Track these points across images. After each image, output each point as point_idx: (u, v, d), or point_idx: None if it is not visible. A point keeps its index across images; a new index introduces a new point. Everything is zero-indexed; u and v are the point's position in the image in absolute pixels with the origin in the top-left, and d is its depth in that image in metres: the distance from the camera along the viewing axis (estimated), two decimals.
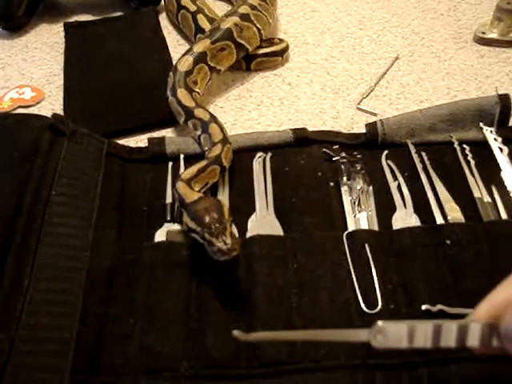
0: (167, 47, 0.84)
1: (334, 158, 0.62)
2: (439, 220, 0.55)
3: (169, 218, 0.57)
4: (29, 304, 0.47)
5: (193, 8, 0.84)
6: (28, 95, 0.78)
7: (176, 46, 0.87)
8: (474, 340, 0.35)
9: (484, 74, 0.77)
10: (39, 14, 0.95)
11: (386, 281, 0.50)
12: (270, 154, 0.63)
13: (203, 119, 0.64)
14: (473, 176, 0.59)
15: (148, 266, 0.52)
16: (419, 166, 0.60)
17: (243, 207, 0.57)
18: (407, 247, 0.53)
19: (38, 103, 0.77)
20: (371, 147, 0.64)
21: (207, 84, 0.74)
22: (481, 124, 0.64)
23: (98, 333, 0.48)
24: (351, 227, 0.55)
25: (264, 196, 0.58)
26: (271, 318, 0.48)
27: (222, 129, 0.63)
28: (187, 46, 0.82)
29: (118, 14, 0.94)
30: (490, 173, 0.59)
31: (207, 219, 0.49)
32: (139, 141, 0.69)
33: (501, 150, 0.61)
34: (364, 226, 0.55)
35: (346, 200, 0.57)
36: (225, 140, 0.61)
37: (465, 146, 0.62)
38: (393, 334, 0.35)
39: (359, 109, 0.72)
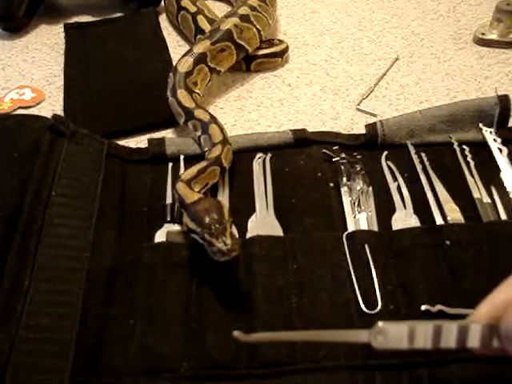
0: (167, 48, 0.84)
1: (333, 159, 0.62)
2: (439, 221, 0.55)
3: (169, 219, 0.57)
4: (29, 305, 0.47)
5: (193, 9, 0.84)
6: (28, 96, 0.78)
7: (176, 46, 0.87)
8: (474, 341, 0.35)
9: (483, 74, 0.77)
10: (39, 15, 0.95)
11: (385, 281, 0.50)
12: (269, 155, 0.63)
13: (203, 120, 0.64)
14: (472, 177, 0.59)
15: (148, 266, 0.52)
16: (419, 167, 0.60)
17: (243, 208, 0.58)
18: (407, 248, 0.53)
19: (38, 104, 0.77)
20: (371, 148, 0.64)
21: (207, 85, 0.74)
22: (480, 125, 0.64)
23: (98, 333, 0.48)
24: (351, 228, 0.55)
25: (264, 197, 0.58)
26: (271, 318, 0.48)
27: (221, 130, 0.63)
28: (187, 47, 0.82)
29: (118, 14, 0.94)
30: (490, 173, 0.59)
31: (207, 220, 0.49)
32: (139, 142, 0.69)
33: (500, 150, 0.61)
34: (364, 226, 0.55)
35: (346, 201, 0.57)
36: (225, 141, 0.61)
37: (464, 146, 0.62)
38: (393, 334, 0.35)
39: (359, 109, 0.72)
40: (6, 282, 0.48)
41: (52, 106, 0.76)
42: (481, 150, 0.62)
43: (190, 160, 0.62)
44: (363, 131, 0.65)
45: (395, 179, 0.60)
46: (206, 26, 0.80)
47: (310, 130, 0.66)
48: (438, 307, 0.48)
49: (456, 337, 0.35)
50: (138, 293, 0.51)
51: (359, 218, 0.56)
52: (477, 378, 0.44)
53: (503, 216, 0.55)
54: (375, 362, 0.45)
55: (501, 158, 0.61)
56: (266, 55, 0.80)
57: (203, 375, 0.45)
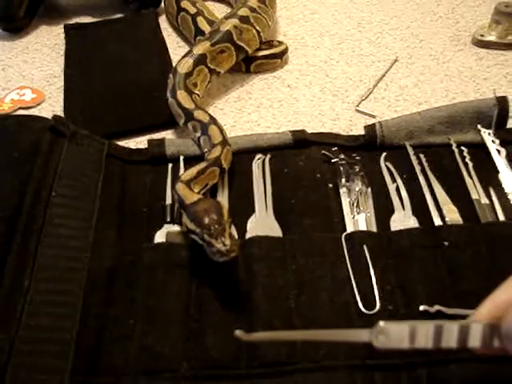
0: (167, 49, 0.85)
1: (332, 160, 0.62)
2: (437, 222, 0.55)
3: (168, 220, 0.57)
4: (29, 305, 0.47)
5: (192, 10, 0.84)
6: (28, 97, 0.78)
7: (176, 47, 0.87)
8: (475, 341, 0.35)
9: (482, 76, 0.78)
10: (40, 16, 0.96)
11: (384, 282, 0.50)
12: (269, 156, 0.63)
13: (203, 121, 0.64)
14: (471, 178, 0.59)
15: (148, 266, 0.53)
16: (417, 168, 0.61)
17: (242, 208, 0.58)
18: (405, 248, 0.53)
19: (38, 105, 0.77)
20: (370, 149, 0.64)
21: (207, 86, 0.74)
22: (479, 126, 0.64)
23: (98, 333, 0.48)
24: (350, 228, 0.55)
25: (263, 197, 0.59)
26: (271, 318, 0.48)
27: (221, 131, 0.63)
28: (187, 48, 0.82)
29: (118, 15, 0.95)
30: (488, 175, 0.60)
31: (206, 220, 0.49)
32: (139, 142, 0.69)
33: (498, 152, 0.62)
34: (362, 227, 0.55)
35: (345, 201, 0.58)
36: (224, 142, 0.61)
37: (463, 148, 0.62)
38: (394, 334, 0.35)
39: (358, 111, 0.73)
40: (6, 282, 0.48)
41: (52, 106, 0.77)
42: (479, 152, 0.62)
43: (190, 161, 0.62)
44: (362, 132, 0.65)
45: (394, 180, 0.60)
46: (206, 28, 0.80)
47: (310, 131, 0.66)
48: (437, 307, 0.48)
49: (457, 336, 0.35)
50: (138, 293, 0.51)
51: (358, 219, 0.56)
52: (476, 378, 0.44)
53: (501, 217, 0.55)
54: (374, 361, 0.45)
55: (499, 160, 0.61)
56: (265, 56, 0.80)
57: (203, 375, 0.45)
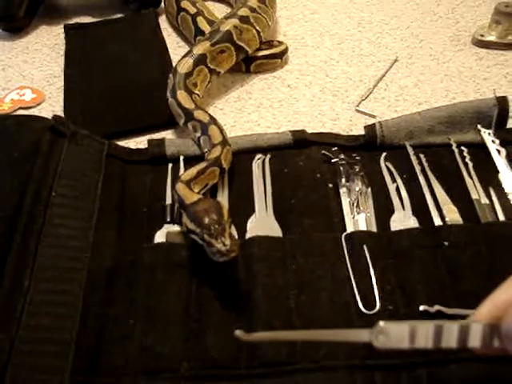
0: (167, 49, 0.85)
1: (332, 160, 0.62)
2: (437, 222, 0.55)
3: (168, 220, 0.57)
4: (29, 305, 0.47)
5: (192, 10, 0.84)
6: (28, 97, 0.78)
7: (176, 47, 0.87)
8: (475, 341, 0.35)
9: (482, 76, 0.78)
10: (40, 16, 0.96)
11: (384, 282, 0.50)
12: (269, 156, 0.63)
13: (203, 121, 0.64)
14: (471, 178, 0.59)
15: (148, 266, 0.53)
16: (417, 168, 0.61)
17: (243, 208, 0.58)
18: (405, 248, 0.53)
19: (38, 105, 0.77)
20: (370, 149, 0.64)
21: (207, 86, 0.74)
22: (479, 126, 0.64)
23: (98, 333, 0.48)
24: (350, 228, 0.55)
25: (263, 197, 0.59)
26: (271, 318, 0.48)
27: (221, 131, 0.63)
28: (187, 48, 0.82)
29: (118, 15, 0.95)
30: (488, 175, 0.60)
31: (206, 220, 0.50)
32: (139, 142, 0.69)
33: (498, 152, 0.62)
34: (362, 227, 0.55)
35: (345, 201, 0.58)
36: (224, 142, 0.61)
37: (463, 148, 0.62)
38: (394, 334, 0.35)
39: (358, 111, 0.73)
40: (6, 282, 0.48)
41: (52, 106, 0.77)
42: (479, 152, 0.62)
43: (190, 161, 0.62)
44: (362, 132, 0.65)
45: (394, 180, 0.60)
46: (206, 28, 0.80)
47: (310, 131, 0.66)
48: (436, 307, 0.48)
49: (457, 336, 0.35)
50: (138, 293, 0.51)
51: (358, 219, 0.56)
52: (476, 378, 0.44)
53: (501, 217, 0.55)
54: (374, 361, 0.45)
55: (499, 160, 0.61)
56: (265, 56, 0.80)
57: (203, 375, 0.46)
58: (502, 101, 0.64)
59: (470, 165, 0.61)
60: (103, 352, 0.47)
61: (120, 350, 0.47)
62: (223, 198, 0.59)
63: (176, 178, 0.59)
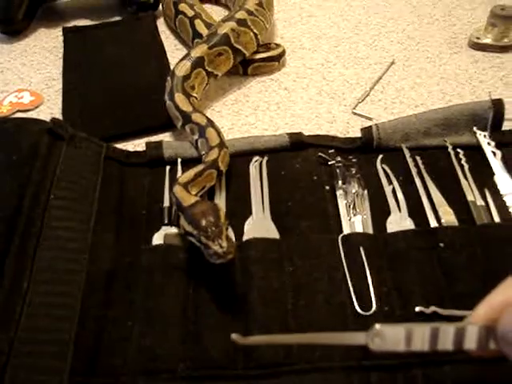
0: (165, 52, 0.85)
1: (329, 162, 0.62)
2: (433, 223, 0.55)
3: (166, 222, 0.57)
4: (28, 306, 0.48)
5: (190, 13, 0.85)
6: (27, 99, 0.78)
7: (174, 50, 0.87)
8: (471, 343, 0.36)
9: (478, 78, 0.78)
10: (38, 19, 0.96)
11: (380, 283, 0.51)
12: (266, 158, 0.63)
13: (200, 124, 0.65)
14: (466, 180, 0.60)
15: (146, 268, 0.53)
16: (414, 170, 0.61)
17: (240, 211, 0.58)
18: (401, 250, 0.53)
19: (36, 107, 0.77)
20: (366, 151, 0.64)
21: (204, 89, 0.74)
22: (474, 128, 0.64)
23: (96, 335, 0.48)
24: (346, 230, 0.55)
25: (260, 200, 0.59)
26: (267, 320, 0.48)
27: (218, 133, 0.63)
28: (185, 51, 0.83)
29: (117, 18, 0.95)
30: (483, 177, 0.60)
31: (204, 223, 0.50)
32: (137, 145, 0.70)
33: (494, 154, 0.62)
34: (359, 229, 0.55)
35: (342, 204, 0.58)
36: (222, 144, 0.62)
37: (459, 150, 0.63)
38: (390, 337, 0.35)
39: (355, 113, 0.73)
40: (5, 284, 0.49)
41: (50, 109, 0.77)
42: (475, 154, 0.63)
43: (188, 163, 0.63)
44: (359, 135, 0.65)
45: (390, 182, 0.60)
46: (204, 30, 0.80)
47: (307, 133, 0.67)
48: (432, 309, 0.48)
49: (453, 339, 0.36)
50: (137, 295, 0.51)
51: (354, 221, 0.56)
52: (471, 379, 0.44)
53: (496, 219, 0.56)
54: (370, 362, 0.45)
55: (494, 162, 0.61)
56: (262, 59, 0.80)
57: (200, 375, 0.46)
58: (497, 103, 0.64)
59: (466, 167, 0.61)
60: (102, 353, 0.47)
61: (118, 351, 0.48)
62: (220, 201, 0.59)
63: (174, 180, 0.59)
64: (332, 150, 0.64)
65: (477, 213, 0.56)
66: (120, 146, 0.68)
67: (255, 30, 0.78)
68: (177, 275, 0.52)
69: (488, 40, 0.83)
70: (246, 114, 0.74)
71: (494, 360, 0.37)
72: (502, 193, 0.58)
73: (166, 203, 0.59)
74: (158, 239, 0.56)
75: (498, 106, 0.64)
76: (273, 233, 0.56)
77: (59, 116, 0.74)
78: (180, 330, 0.48)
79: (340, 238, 0.54)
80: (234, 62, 0.77)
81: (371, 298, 0.50)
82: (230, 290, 0.51)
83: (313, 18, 0.94)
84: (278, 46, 0.83)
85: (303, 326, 0.48)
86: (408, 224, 0.56)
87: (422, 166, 0.61)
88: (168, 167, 0.63)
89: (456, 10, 0.94)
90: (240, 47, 0.76)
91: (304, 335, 0.41)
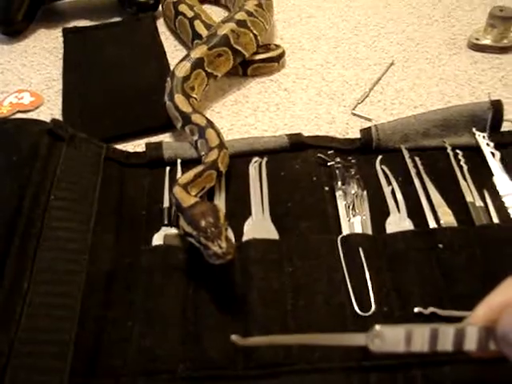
0: (165, 53, 0.85)
1: (328, 163, 0.62)
2: (432, 224, 0.56)
3: (166, 222, 0.57)
4: (28, 307, 0.48)
5: (190, 14, 0.85)
6: (27, 100, 0.78)
7: (173, 51, 0.87)
8: (471, 344, 0.36)
9: (477, 79, 0.78)
10: (38, 20, 0.96)
11: (379, 284, 0.51)
12: (265, 159, 0.63)
13: (200, 124, 0.65)
14: (465, 181, 0.60)
15: (146, 269, 0.53)
16: (413, 171, 0.61)
17: (239, 211, 0.58)
18: (400, 251, 0.53)
19: (36, 108, 0.77)
20: (366, 152, 0.64)
21: (204, 89, 0.75)
22: (473, 129, 0.64)
23: (96, 335, 0.48)
24: (345, 231, 0.55)
25: (260, 200, 0.59)
26: (267, 321, 0.48)
27: (218, 134, 0.64)
28: (184, 52, 0.83)
29: (117, 19, 0.95)
30: (482, 177, 0.60)
31: (203, 223, 0.50)
32: (137, 146, 0.70)
33: (493, 154, 0.62)
34: (358, 230, 0.55)
35: (341, 204, 0.58)
36: (221, 145, 0.62)
37: (458, 151, 0.63)
38: (390, 338, 0.36)
39: (354, 114, 0.73)
40: (5, 284, 0.49)
41: (51, 110, 0.77)
42: (474, 155, 0.63)
43: (187, 164, 0.63)
44: (358, 136, 0.65)
45: (389, 183, 0.60)
46: (203, 31, 0.81)
47: (306, 134, 0.67)
48: (431, 309, 0.48)
49: (453, 340, 0.36)
50: (137, 295, 0.51)
51: (354, 222, 0.56)
52: (470, 380, 0.44)
53: (495, 219, 0.56)
54: (370, 363, 0.45)
55: (493, 162, 0.61)
56: (262, 60, 0.81)
57: (200, 376, 0.46)
58: (496, 104, 0.64)
59: (465, 168, 0.61)
60: (102, 353, 0.48)
61: (118, 351, 0.48)
62: (220, 201, 0.59)
63: (173, 181, 0.59)
64: (331, 151, 0.64)
65: (476, 214, 0.56)
66: (120, 146, 0.68)
67: (255, 31, 0.78)
68: (176, 276, 0.52)
69: (487, 41, 0.83)
70: (246, 115, 0.74)
71: (494, 361, 0.37)
72: (500, 194, 0.58)
73: (166, 204, 0.59)
74: (157, 240, 0.56)
75: (497, 106, 0.64)
76: (272, 233, 0.56)
77: (59, 117, 0.74)
78: (180, 331, 0.48)
79: (339, 238, 0.54)
80: (234, 62, 0.77)
81: (370, 299, 0.50)
82: (230, 291, 0.52)
83: (312, 19, 0.94)
84: (277, 46, 0.83)
85: (303, 326, 0.48)
86: (407, 225, 0.56)
87: (421, 167, 0.62)
88: (168, 168, 0.63)
89: (455, 11, 0.94)
90: (240, 48, 0.76)
91: (304, 336, 0.42)
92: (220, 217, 0.51)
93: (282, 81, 0.80)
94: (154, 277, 0.52)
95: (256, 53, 0.80)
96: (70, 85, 0.79)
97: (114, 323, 0.50)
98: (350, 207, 0.57)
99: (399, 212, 0.57)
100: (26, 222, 0.53)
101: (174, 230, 0.57)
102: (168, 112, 0.69)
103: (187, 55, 0.73)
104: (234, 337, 0.36)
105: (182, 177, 0.58)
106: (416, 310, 0.49)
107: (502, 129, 0.65)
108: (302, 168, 0.62)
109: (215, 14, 0.94)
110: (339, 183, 0.60)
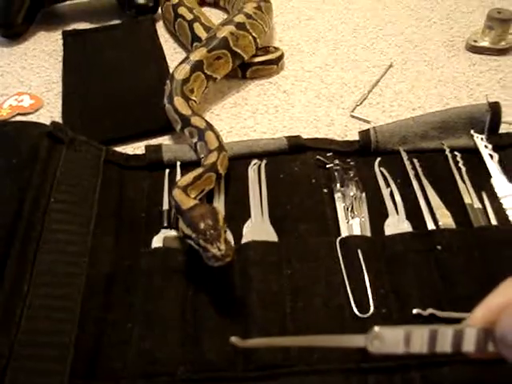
0: (164, 55, 0.85)
1: (327, 165, 0.62)
2: (430, 226, 0.56)
3: (165, 225, 0.57)
4: (28, 309, 0.48)
5: (189, 16, 0.85)
6: (27, 103, 0.78)
7: (173, 54, 0.88)
8: (469, 345, 0.36)
9: (475, 81, 0.79)
10: (38, 22, 0.96)
11: (378, 286, 0.51)
12: (264, 162, 0.64)
13: (199, 127, 0.65)
14: (463, 182, 0.60)
15: (145, 271, 0.53)
16: (411, 173, 0.61)
17: (238, 214, 0.58)
18: (399, 253, 0.53)
19: (36, 111, 0.78)
20: (364, 154, 0.64)
21: (203, 92, 0.75)
22: (472, 131, 0.65)
23: (96, 338, 0.48)
24: (344, 233, 0.56)
25: (259, 203, 0.59)
26: (266, 323, 0.49)
27: (217, 136, 0.64)
28: (184, 54, 0.83)
29: (116, 22, 0.95)
30: (481, 179, 0.60)
31: (202, 226, 0.50)
32: (137, 148, 0.70)
33: (491, 156, 0.62)
34: (357, 232, 0.56)
35: (340, 206, 0.58)
36: (220, 147, 0.62)
37: (456, 153, 0.63)
38: (389, 339, 0.36)
39: (353, 116, 0.73)
40: (5, 287, 0.49)
41: (50, 112, 0.77)
42: (472, 157, 0.63)
43: (187, 166, 0.63)
44: (357, 138, 0.66)
45: (388, 185, 0.61)
46: (203, 34, 0.81)
47: (305, 136, 0.67)
48: (429, 311, 0.48)
49: (451, 341, 0.36)
50: (136, 298, 0.51)
51: (352, 224, 0.56)
52: (469, 381, 0.44)
53: (493, 221, 0.56)
54: (368, 365, 0.45)
55: (491, 164, 0.62)
56: (261, 62, 0.81)
57: (200, 378, 0.46)
58: (494, 106, 0.65)
59: (463, 170, 0.61)
60: (102, 356, 0.48)
61: (118, 354, 0.48)
62: (219, 204, 0.60)
63: (173, 183, 0.59)
64: (330, 153, 0.64)
65: (474, 215, 0.57)
66: (119, 149, 0.68)
67: (254, 34, 0.78)
68: (176, 278, 0.52)
69: (485, 43, 0.83)
70: (245, 117, 0.75)
71: (493, 362, 0.37)
72: (499, 195, 0.59)
73: (166, 206, 0.59)
74: (157, 242, 0.56)
75: (495, 108, 0.64)
76: (271, 236, 0.56)
77: (59, 119, 0.74)
78: (179, 333, 0.49)
79: (338, 240, 0.54)
80: (233, 65, 0.77)
81: (369, 301, 0.50)
82: (229, 293, 0.52)
83: (311, 22, 0.94)
84: (276, 49, 0.83)
85: (302, 328, 0.48)
86: (406, 227, 0.56)
87: (419, 169, 0.62)
88: (167, 170, 0.63)
89: (453, 13, 0.94)
90: (239, 51, 0.76)
91: (303, 338, 0.42)
92: (219, 219, 0.51)
93: (281, 83, 0.80)
94: (153, 279, 0.52)
95: (255, 55, 0.80)
96: (69, 87, 0.79)
97: (114, 325, 0.50)
98: (349, 209, 0.58)
99: (398, 214, 0.57)
100: (26, 224, 0.53)
101: (173, 233, 0.57)
102: (167, 114, 0.70)
103: (186, 58, 0.74)
104: (233, 339, 0.36)
105: (182, 179, 0.58)
106: (415, 311, 0.49)
107: (500, 131, 0.65)
108: (301, 170, 0.63)
109: (214, 16, 0.94)
110: (338, 185, 0.60)
